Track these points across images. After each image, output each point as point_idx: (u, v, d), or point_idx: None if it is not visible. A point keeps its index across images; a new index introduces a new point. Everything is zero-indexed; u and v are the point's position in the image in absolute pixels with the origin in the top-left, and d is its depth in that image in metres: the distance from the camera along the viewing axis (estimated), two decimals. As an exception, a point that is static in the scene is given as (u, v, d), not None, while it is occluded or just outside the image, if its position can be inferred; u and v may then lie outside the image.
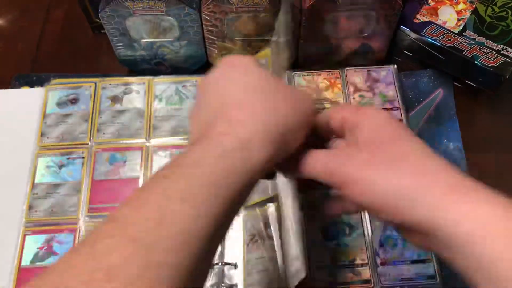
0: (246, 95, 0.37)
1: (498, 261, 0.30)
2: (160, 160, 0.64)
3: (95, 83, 0.69)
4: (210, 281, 0.58)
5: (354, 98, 0.68)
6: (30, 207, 0.61)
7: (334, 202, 0.42)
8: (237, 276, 0.58)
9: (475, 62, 0.65)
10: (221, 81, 0.39)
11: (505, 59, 0.65)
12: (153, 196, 0.31)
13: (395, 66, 0.70)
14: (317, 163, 0.38)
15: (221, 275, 0.58)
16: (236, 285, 0.58)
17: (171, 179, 0.32)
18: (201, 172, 0.32)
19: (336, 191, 0.37)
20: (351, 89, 0.69)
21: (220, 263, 0.58)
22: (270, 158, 0.34)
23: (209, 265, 0.34)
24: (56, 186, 0.62)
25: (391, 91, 0.68)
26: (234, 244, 0.60)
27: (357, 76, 0.69)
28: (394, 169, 0.35)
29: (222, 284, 0.57)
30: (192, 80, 0.70)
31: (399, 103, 0.67)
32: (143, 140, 0.66)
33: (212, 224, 0.31)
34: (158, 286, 0.27)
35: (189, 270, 0.29)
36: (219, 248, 0.59)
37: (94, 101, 0.68)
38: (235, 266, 0.59)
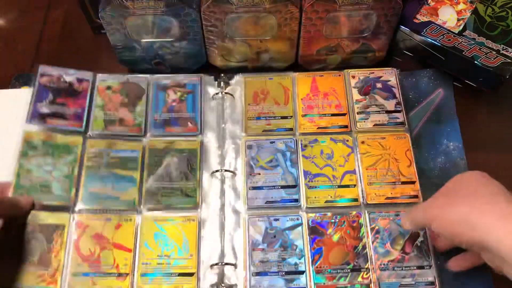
0: None
1: None
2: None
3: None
4: (210, 281, 0.58)
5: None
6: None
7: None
8: (237, 276, 0.58)
9: (475, 62, 0.65)
10: None
11: (505, 59, 0.65)
12: None
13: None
14: (418, 212, 0.54)
15: (221, 275, 0.58)
16: (236, 285, 0.58)
17: None
18: None
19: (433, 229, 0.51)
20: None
21: (220, 263, 0.58)
22: None
23: None
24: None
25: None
26: (234, 245, 0.60)
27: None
28: (461, 204, 0.49)
29: (222, 284, 0.57)
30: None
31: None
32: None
33: None
34: None
35: None
36: (219, 248, 0.59)
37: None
38: (235, 266, 0.59)
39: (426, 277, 0.58)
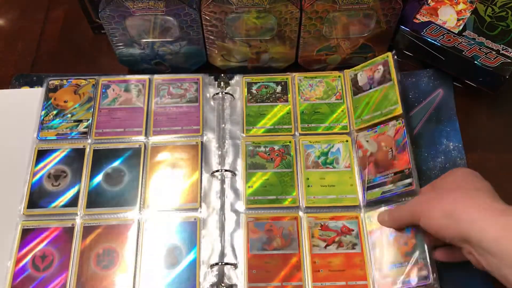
0: None
1: None
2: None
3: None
4: (210, 281, 0.58)
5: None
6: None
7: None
8: (237, 276, 0.58)
9: (475, 62, 0.65)
10: None
11: (505, 59, 0.65)
12: None
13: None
14: (403, 210, 0.56)
15: (221, 275, 0.58)
16: (236, 285, 0.58)
17: None
18: None
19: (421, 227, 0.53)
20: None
21: (220, 263, 0.58)
22: None
23: None
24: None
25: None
26: (235, 244, 0.60)
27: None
28: (445, 198, 0.50)
29: (222, 284, 0.57)
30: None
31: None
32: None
33: None
34: None
35: None
36: (219, 248, 0.59)
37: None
38: (235, 266, 0.59)
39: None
